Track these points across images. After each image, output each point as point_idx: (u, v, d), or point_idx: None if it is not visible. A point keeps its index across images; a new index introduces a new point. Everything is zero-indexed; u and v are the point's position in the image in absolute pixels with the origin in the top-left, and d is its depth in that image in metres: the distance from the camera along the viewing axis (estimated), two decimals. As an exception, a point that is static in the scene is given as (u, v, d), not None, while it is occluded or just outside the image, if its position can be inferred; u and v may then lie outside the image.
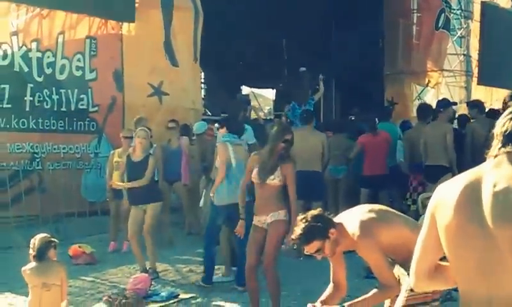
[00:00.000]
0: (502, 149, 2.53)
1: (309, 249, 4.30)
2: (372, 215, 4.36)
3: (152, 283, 7.75)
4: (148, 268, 8.35)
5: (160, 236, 10.07)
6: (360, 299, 4.27)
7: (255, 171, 6.37)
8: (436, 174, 8.83)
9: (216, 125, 11.19)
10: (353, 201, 9.36)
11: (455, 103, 9.76)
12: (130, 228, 8.52)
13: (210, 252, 7.98)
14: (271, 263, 6.40)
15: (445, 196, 2.61)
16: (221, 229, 8.06)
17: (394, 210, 4.74)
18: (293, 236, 4.35)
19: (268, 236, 6.34)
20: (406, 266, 4.20)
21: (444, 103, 10.61)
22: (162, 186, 9.98)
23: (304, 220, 4.30)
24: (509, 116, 2.59)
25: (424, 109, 11.38)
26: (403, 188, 10.76)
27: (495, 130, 2.60)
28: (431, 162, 9.75)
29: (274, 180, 6.30)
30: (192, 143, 10.85)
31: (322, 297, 4.47)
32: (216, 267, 8.46)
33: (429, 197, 8.88)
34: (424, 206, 9.03)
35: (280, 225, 6.24)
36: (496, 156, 2.55)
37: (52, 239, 6.49)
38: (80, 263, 9.13)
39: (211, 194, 7.85)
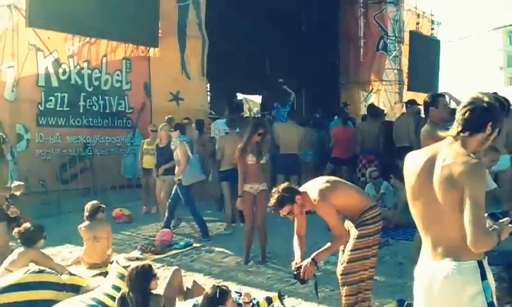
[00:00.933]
0: (461, 134, 2.47)
1: (282, 212, 4.20)
2: (328, 184, 4.23)
3: (173, 235, 7.69)
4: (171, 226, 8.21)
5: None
6: (322, 248, 4.16)
7: (251, 155, 6.32)
8: (402, 152, 8.78)
9: (217, 121, 11.12)
10: (318, 176, 9.46)
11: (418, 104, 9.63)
12: (158, 194, 8.59)
13: (198, 216, 7.92)
14: (262, 220, 6.34)
15: (409, 164, 2.60)
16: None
17: (345, 180, 4.62)
18: (269, 204, 4.23)
19: (259, 201, 6.27)
20: (353, 220, 4.22)
21: (411, 102, 10.46)
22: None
23: (277, 192, 4.20)
24: (470, 106, 2.48)
25: (373, 109, 11.34)
26: (355, 166, 10.57)
27: (456, 115, 2.51)
28: (398, 144, 9.58)
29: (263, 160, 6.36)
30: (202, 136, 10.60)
31: (297, 254, 4.21)
32: (219, 223, 8.47)
33: (373, 170, 8.86)
34: (370, 177, 9.07)
35: (266, 193, 6.14)
36: (454, 137, 2.48)
37: (100, 205, 6.51)
38: (120, 222, 9.09)
39: (177, 178, 7.77)
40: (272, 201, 4.18)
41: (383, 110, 12.24)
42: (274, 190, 4.26)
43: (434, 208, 2.46)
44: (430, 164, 2.52)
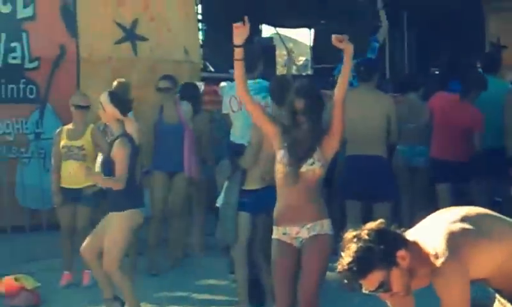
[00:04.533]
0: None
1: (368, 285, 4.30)
2: (465, 225, 4.36)
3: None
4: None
5: (143, 259, 10.36)
6: None
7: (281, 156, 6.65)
8: None
9: (223, 84, 11.11)
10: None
11: None
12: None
13: None
14: (312, 301, 6.55)
15: None
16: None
17: (499, 215, 4.76)
18: (340, 267, 4.33)
19: (306, 261, 6.51)
20: None
21: None
22: (155, 180, 10.47)
23: (356, 240, 4.32)
24: None
25: None
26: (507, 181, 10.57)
27: None
28: None
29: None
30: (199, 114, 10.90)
31: None
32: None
33: None
34: None
35: (323, 241, 6.44)
36: None
37: None
38: (16, 305, 9.09)
39: None
40: (346, 260, 4.30)
41: None
42: (347, 235, 4.43)
43: None
44: None
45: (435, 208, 5.23)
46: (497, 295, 4.53)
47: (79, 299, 9.31)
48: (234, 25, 6.57)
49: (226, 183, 8.84)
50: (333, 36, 6.32)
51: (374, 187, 9.62)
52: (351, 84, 10.82)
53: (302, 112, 6.46)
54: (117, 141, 8.12)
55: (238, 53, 6.62)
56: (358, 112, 9.54)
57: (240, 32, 6.41)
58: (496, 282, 4.44)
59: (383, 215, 7.40)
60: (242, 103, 8.94)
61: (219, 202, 9.02)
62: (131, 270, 9.58)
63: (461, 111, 10.34)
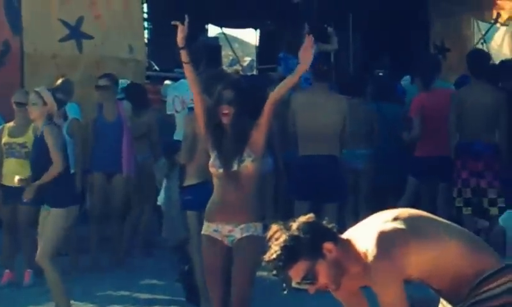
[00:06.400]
0: None
1: (294, 275, 4.34)
2: (400, 225, 4.42)
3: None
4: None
5: (85, 257, 10.31)
6: None
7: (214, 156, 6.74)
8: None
9: (167, 82, 11.09)
10: (382, 204, 9.42)
11: None
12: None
13: None
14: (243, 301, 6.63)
15: None
16: None
17: (434, 216, 4.86)
18: (267, 256, 4.38)
19: (238, 261, 6.57)
20: (458, 296, 4.45)
21: None
22: (94, 181, 10.61)
23: (284, 230, 4.39)
24: None
25: (483, 61, 11.17)
26: (448, 182, 10.67)
27: None
28: None
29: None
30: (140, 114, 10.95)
31: None
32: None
33: (497, 197, 8.65)
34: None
35: (253, 241, 6.43)
36: None
37: None
38: None
39: None
40: (273, 249, 4.36)
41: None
42: (277, 227, 4.47)
43: None
44: None
45: (380, 209, 5.16)
46: (441, 298, 4.62)
47: (20, 298, 9.20)
48: (172, 22, 6.57)
49: (164, 182, 8.90)
50: (308, 37, 6.32)
51: (326, 188, 9.66)
52: (302, 85, 11.02)
53: (228, 102, 6.44)
54: (46, 127, 8.13)
55: (183, 55, 6.61)
56: (312, 112, 9.73)
57: (179, 31, 6.38)
58: (433, 282, 4.50)
59: (332, 216, 7.47)
60: (185, 102, 8.98)
61: (160, 200, 9.03)
62: (73, 269, 9.62)
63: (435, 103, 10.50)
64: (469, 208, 10.08)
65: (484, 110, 10.17)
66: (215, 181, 6.62)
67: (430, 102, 10.49)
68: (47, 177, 8.18)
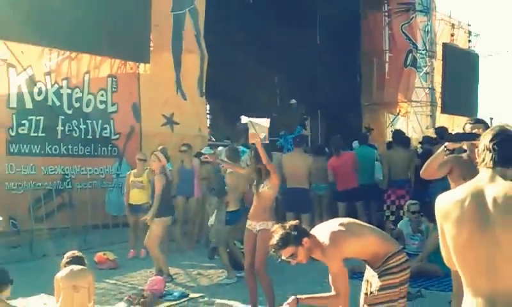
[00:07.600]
0: (497, 167, 2.54)
1: (284, 253, 4.28)
2: (341, 227, 4.34)
3: (166, 284, 7.67)
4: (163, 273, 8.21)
5: (173, 244, 10.18)
6: (313, 295, 4.42)
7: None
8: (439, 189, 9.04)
9: (220, 148, 11.21)
10: (334, 214, 9.66)
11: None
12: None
13: None
14: (261, 266, 6.37)
15: (450, 208, 2.58)
16: None
17: (362, 222, 4.80)
18: (271, 242, 4.32)
19: (259, 241, 6.33)
20: (375, 266, 4.35)
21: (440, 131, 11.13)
22: (178, 200, 10.27)
23: (282, 228, 4.31)
24: (502, 136, 2.58)
25: (399, 136, 11.47)
26: (379, 202, 10.80)
27: (484, 143, 2.59)
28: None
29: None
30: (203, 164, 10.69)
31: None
32: (220, 270, 8.46)
33: (413, 204, 8.87)
34: (409, 211, 8.98)
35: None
36: (491, 169, 2.55)
37: (83, 257, 6.24)
38: (104, 268, 9.06)
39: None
40: (274, 239, 4.29)
41: (409, 138, 12.38)
42: (277, 226, 4.40)
43: (494, 254, 2.45)
44: (479, 206, 2.52)
45: (333, 217, 5.32)
46: (364, 278, 4.49)
47: (139, 264, 9.31)
48: (202, 158, 6.77)
49: (215, 211, 8.79)
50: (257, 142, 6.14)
51: (302, 205, 9.87)
52: (288, 149, 11.41)
53: (257, 158, 6.30)
54: (157, 175, 8.36)
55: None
56: (293, 164, 10.05)
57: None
58: (362, 257, 4.47)
59: (306, 221, 7.97)
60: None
61: (210, 222, 9.03)
62: (168, 250, 9.39)
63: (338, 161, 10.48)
64: (393, 217, 10.35)
65: (402, 161, 10.49)
66: (253, 197, 6.53)
67: (339, 161, 10.46)
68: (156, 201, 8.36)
